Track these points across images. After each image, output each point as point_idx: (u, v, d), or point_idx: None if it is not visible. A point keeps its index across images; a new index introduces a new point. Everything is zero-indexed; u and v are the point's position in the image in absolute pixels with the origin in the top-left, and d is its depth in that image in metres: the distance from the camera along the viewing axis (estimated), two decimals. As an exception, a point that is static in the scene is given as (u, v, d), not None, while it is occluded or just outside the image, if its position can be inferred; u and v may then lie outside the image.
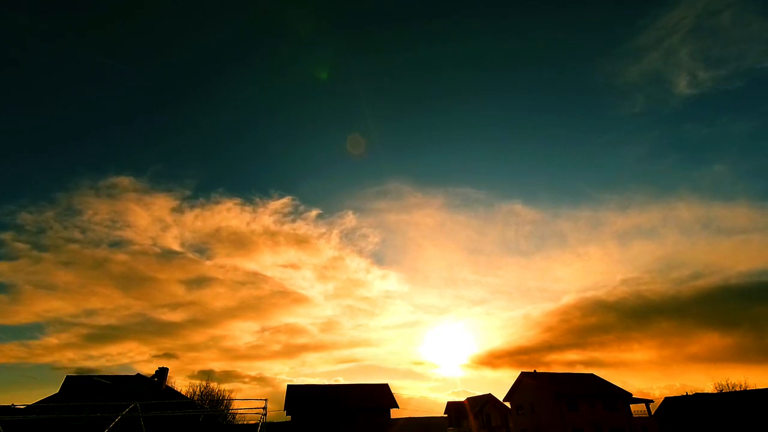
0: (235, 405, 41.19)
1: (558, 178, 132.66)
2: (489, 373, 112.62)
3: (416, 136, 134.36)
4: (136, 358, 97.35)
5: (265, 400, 18.32)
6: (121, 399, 29.79)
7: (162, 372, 35.33)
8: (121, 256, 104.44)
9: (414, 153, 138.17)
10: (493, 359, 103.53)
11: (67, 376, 34.79)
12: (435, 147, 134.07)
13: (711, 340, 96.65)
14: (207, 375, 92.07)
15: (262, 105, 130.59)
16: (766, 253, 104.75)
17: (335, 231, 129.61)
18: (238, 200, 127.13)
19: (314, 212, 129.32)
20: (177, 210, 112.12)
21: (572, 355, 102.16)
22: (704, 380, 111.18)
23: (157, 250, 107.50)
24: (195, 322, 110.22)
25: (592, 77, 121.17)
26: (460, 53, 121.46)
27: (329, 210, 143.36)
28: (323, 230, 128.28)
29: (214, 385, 43.30)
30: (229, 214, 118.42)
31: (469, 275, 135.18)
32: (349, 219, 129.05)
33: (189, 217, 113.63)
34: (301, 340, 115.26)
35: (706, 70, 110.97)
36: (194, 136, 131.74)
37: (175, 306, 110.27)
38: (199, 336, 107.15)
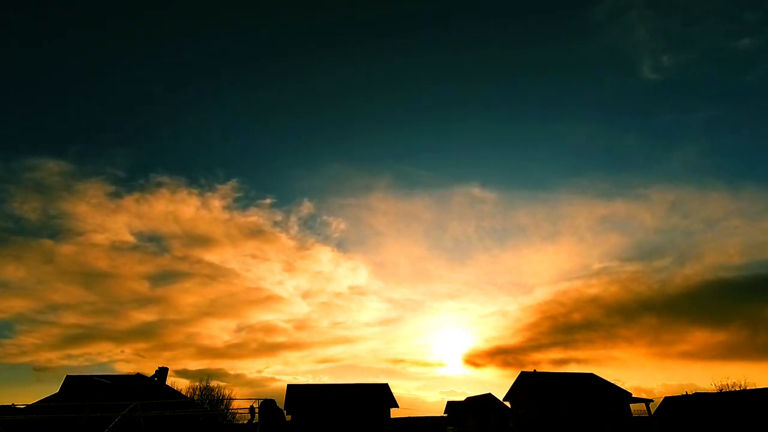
0: (235, 405, 41.28)
1: (519, 164, 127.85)
2: (472, 372, 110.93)
3: (362, 117, 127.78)
4: (115, 357, 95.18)
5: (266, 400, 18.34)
6: (121, 399, 29.76)
7: (162, 371, 35.27)
8: (67, 249, 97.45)
9: (362, 135, 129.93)
10: (476, 358, 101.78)
11: (67, 376, 34.76)
12: (382, 128, 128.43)
13: (701, 336, 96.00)
14: (182, 375, 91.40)
15: (191, 76, 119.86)
16: (747, 242, 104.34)
17: (293, 219, 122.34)
18: (183, 180, 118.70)
19: (268, 200, 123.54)
20: (115, 195, 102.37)
21: (557, 353, 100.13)
22: (695, 378, 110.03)
23: (107, 241, 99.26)
24: (167, 320, 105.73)
25: (549, 56, 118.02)
26: (413, 41, 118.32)
27: (282, 197, 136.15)
28: (279, 218, 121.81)
29: (214, 384, 43.29)
30: (175, 198, 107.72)
31: (436, 268, 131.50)
32: (306, 206, 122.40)
33: (130, 202, 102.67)
34: (278, 339, 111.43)
35: (669, 53, 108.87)
36: (116, 110, 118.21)
37: (143, 302, 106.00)
38: (173, 334, 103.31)
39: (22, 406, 26.44)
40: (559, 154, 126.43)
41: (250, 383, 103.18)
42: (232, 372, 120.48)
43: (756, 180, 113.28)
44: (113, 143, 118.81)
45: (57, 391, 33.00)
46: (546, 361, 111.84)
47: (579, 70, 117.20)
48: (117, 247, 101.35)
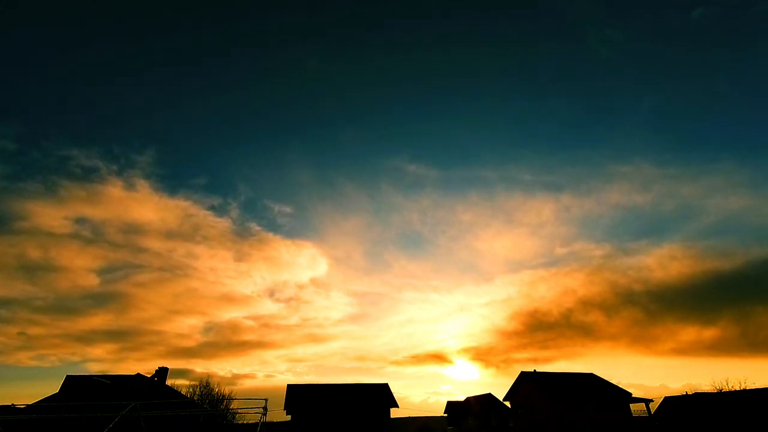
0: (235, 405, 41.29)
1: (470, 141, 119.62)
2: (456, 371, 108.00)
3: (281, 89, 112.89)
4: (88, 357, 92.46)
5: (265, 399, 18.31)
6: (121, 399, 29.80)
7: (162, 371, 35.34)
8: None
9: (275, 107, 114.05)
10: (455, 356, 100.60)
11: (67, 376, 34.80)
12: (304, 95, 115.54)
13: (692, 332, 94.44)
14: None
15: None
16: (722, 219, 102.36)
17: (233, 204, 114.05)
18: (96, 151, 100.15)
19: (201, 180, 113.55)
20: (13, 177, 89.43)
21: (536, 350, 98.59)
22: (681, 376, 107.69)
23: (33, 229, 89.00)
24: (130, 318, 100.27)
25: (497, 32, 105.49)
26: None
27: (215, 177, 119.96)
28: (216, 202, 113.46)
29: (214, 384, 43.28)
30: (92, 177, 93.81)
31: (395, 259, 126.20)
32: (243, 189, 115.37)
33: (34, 186, 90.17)
34: (247, 337, 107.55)
35: (619, 25, 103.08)
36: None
37: (100, 300, 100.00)
38: (140, 333, 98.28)
39: (22, 406, 26.44)
40: (513, 132, 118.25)
41: (222, 382, 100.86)
42: (199, 370, 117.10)
43: (732, 155, 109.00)
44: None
45: (57, 391, 33.04)
46: (525, 359, 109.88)
47: (526, 42, 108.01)
48: (50, 234, 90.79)
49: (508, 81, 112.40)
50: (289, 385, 39.80)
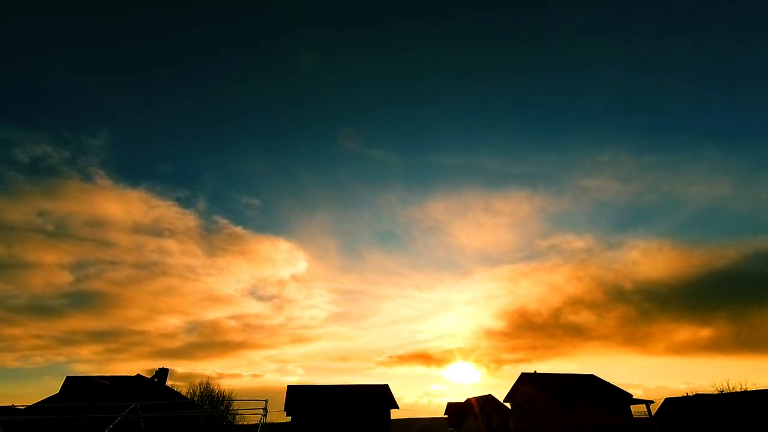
0: (235, 405, 41.29)
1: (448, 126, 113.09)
2: (446, 370, 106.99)
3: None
4: (74, 357, 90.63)
5: (266, 400, 18.31)
6: (121, 399, 29.79)
7: (162, 372, 35.33)
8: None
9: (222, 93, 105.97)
10: (443, 354, 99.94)
11: (67, 377, 34.81)
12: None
13: (688, 331, 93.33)
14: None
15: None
16: (707, 209, 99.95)
17: (200, 196, 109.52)
18: (44, 135, 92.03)
19: (164, 167, 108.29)
20: None
21: (525, 349, 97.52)
22: (683, 376, 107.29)
23: None
24: (110, 317, 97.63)
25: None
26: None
27: (178, 166, 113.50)
28: (183, 194, 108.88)
29: (215, 385, 43.30)
30: (43, 164, 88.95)
31: (372, 254, 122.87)
32: (209, 179, 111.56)
33: None
34: (228, 337, 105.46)
35: (588, 7, 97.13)
36: None
37: (77, 298, 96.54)
38: (124, 334, 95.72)
39: (23, 407, 26.45)
40: (478, 119, 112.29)
41: (215, 384, 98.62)
42: (180, 371, 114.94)
43: (715, 141, 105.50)
44: None
45: (57, 391, 33.05)
46: (516, 360, 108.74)
47: (492, 29, 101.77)
48: (11, 228, 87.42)
49: (472, 68, 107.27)
50: (289, 386, 39.77)
